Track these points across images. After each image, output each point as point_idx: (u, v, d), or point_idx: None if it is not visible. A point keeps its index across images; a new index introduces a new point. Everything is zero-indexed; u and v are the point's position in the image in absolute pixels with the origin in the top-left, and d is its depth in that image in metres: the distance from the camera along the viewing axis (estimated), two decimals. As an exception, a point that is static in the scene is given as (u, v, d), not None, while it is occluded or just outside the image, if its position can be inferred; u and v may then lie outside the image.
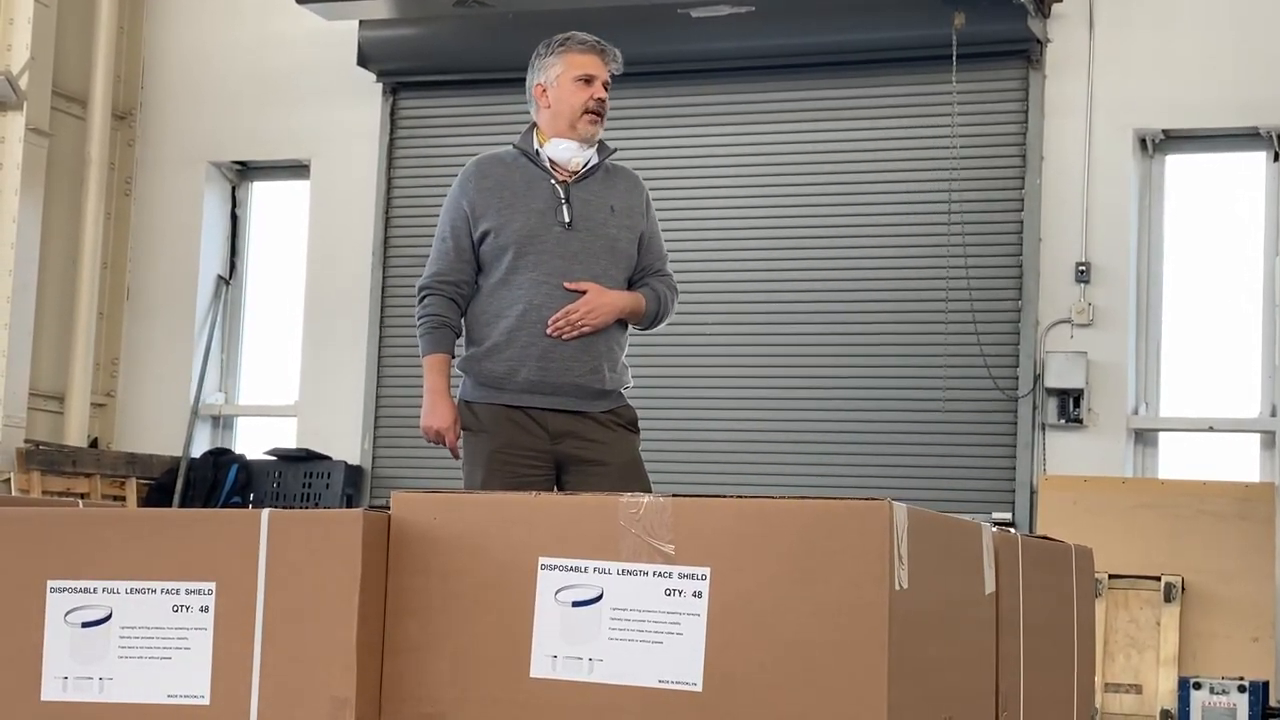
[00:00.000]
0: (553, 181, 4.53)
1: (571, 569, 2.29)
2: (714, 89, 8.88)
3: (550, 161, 4.54)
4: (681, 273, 4.88)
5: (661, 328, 4.78)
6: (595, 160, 4.59)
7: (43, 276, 9.15)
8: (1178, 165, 8.44)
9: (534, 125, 4.61)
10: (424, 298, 4.64)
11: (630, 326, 4.63)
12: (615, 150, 4.68)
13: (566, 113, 4.52)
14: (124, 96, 9.88)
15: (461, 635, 2.31)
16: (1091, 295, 8.19)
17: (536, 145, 4.57)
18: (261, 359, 9.98)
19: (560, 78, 4.54)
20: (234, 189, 10.03)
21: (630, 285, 4.61)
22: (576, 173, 4.56)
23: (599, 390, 4.50)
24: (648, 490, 4.26)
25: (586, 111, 4.51)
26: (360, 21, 9.19)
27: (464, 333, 4.65)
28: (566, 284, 4.43)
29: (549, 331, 4.42)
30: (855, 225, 8.59)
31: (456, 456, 4.54)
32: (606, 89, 4.58)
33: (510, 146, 4.63)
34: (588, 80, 4.53)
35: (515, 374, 4.47)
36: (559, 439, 4.49)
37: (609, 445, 4.51)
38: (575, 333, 4.43)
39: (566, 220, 4.48)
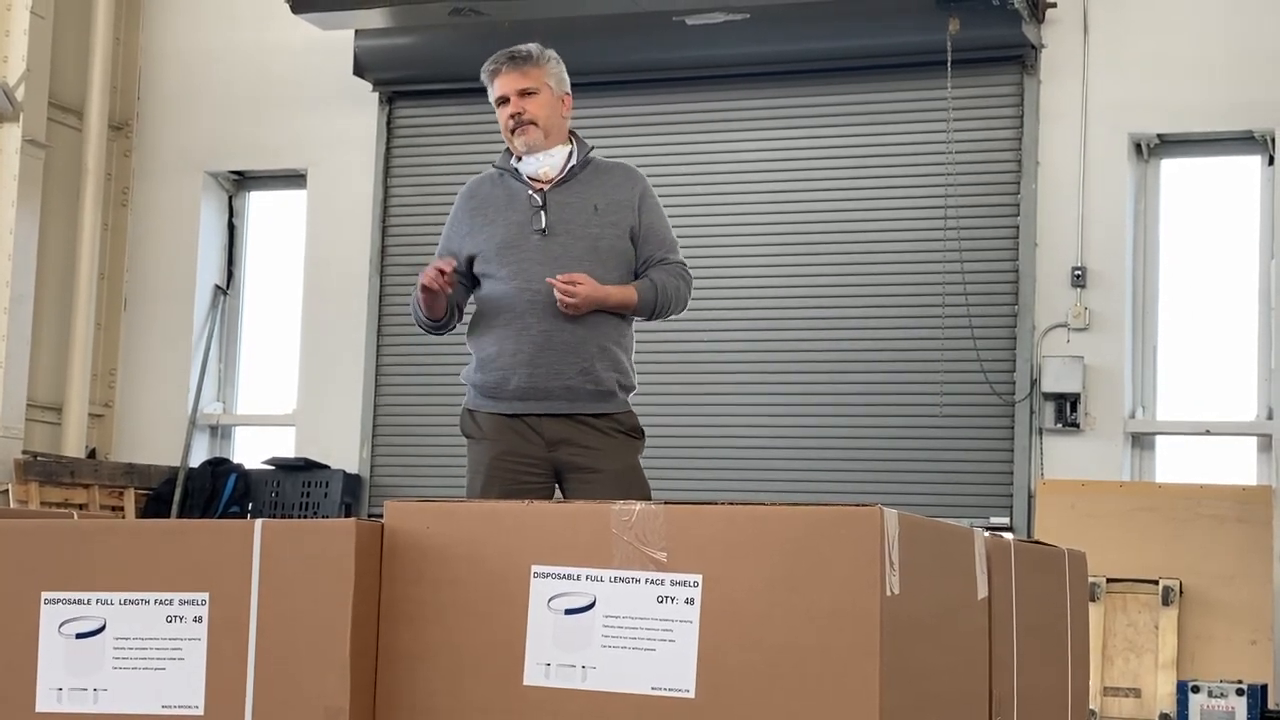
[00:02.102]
0: (530, 192, 4.58)
1: (564, 576, 2.29)
2: (709, 96, 8.89)
3: (527, 175, 4.61)
4: (679, 278, 4.88)
5: (671, 322, 4.80)
6: (574, 161, 4.61)
7: (40, 287, 9.16)
8: (1173, 169, 8.45)
9: None
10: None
11: (634, 320, 4.63)
12: (593, 146, 4.71)
13: (505, 135, 4.66)
14: (120, 107, 9.90)
15: (455, 644, 2.32)
16: (1088, 300, 8.20)
17: (514, 162, 4.66)
18: (259, 368, 9.98)
19: (495, 104, 4.68)
20: (231, 198, 10.04)
21: (636, 279, 4.62)
22: (554, 179, 4.59)
23: (593, 391, 4.51)
24: (646, 497, 4.29)
25: (511, 132, 4.61)
26: (356, 31, 9.20)
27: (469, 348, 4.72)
28: (550, 279, 4.41)
29: (549, 280, 4.42)
30: (851, 231, 8.60)
31: (448, 280, 4.47)
32: (530, 94, 4.58)
33: (494, 167, 4.71)
34: (503, 100, 4.63)
35: (507, 383, 4.52)
36: (555, 446, 4.51)
37: (605, 452, 4.52)
38: (561, 304, 4.43)
39: (542, 227, 4.53)
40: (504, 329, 4.51)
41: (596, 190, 4.60)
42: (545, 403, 4.50)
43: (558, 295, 4.42)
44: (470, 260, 4.61)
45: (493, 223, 4.57)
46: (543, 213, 4.54)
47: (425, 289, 4.52)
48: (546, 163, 4.59)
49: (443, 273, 4.46)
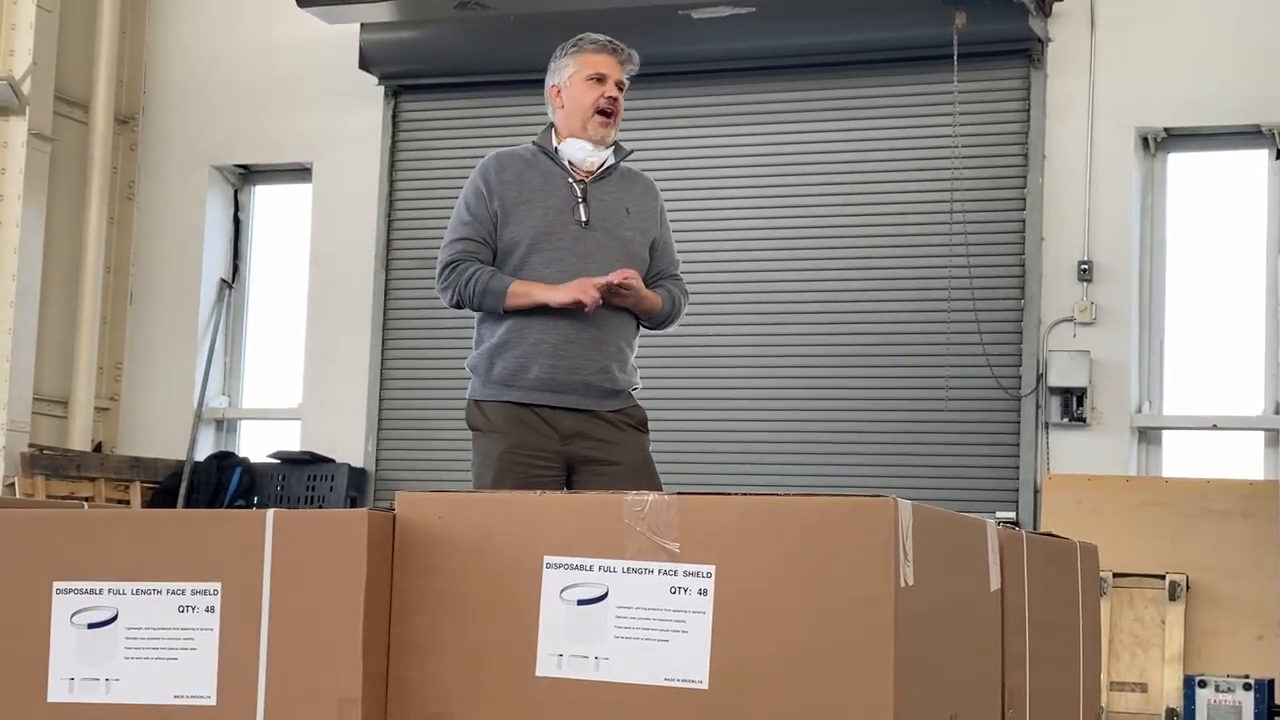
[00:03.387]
0: (570, 180, 4.54)
1: (577, 567, 2.29)
2: (715, 90, 8.88)
3: (568, 161, 4.56)
4: (685, 272, 4.89)
5: (669, 330, 4.81)
6: (611, 161, 4.60)
7: (46, 281, 9.15)
8: (1180, 163, 8.43)
9: (552, 125, 4.62)
10: (454, 267, 4.51)
11: (641, 326, 4.65)
12: (631, 152, 4.69)
13: (578, 112, 4.54)
14: (126, 101, 9.89)
15: (467, 634, 2.31)
16: (1094, 294, 8.19)
17: (555, 144, 4.58)
18: (264, 362, 9.98)
19: (573, 77, 4.56)
20: (236, 192, 10.03)
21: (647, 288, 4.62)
22: (593, 173, 4.57)
23: (608, 390, 4.50)
24: (658, 489, 4.27)
25: (597, 111, 4.52)
26: (362, 25, 9.19)
27: (474, 329, 4.63)
28: (615, 275, 4.39)
29: (608, 280, 4.37)
30: (857, 225, 8.59)
31: (619, 289, 4.39)
32: (621, 89, 4.58)
33: (529, 143, 4.64)
34: (599, 79, 4.54)
35: (526, 371, 4.46)
36: (569, 439, 4.48)
37: (619, 445, 4.50)
38: (614, 296, 4.40)
39: (584, 219, 4.49)
40: (528, 316, 4.44)
41: (627, 194, 4.60)
42: (562, 396, 4.46)
43: (617, 285, 4.37)
44: (496, 234, 4.51)
45: (528, 202, 4.50)
46: (584, 205, 4.50)
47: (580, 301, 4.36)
48: (596, 156, 4.56)
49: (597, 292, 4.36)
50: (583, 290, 4.36)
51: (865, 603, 2.16)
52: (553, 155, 4.56)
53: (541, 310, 4.42)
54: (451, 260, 4.50)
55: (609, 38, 4.63)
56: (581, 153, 4.54)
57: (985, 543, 2.62)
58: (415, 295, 9.02)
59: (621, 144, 4.66)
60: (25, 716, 2.35)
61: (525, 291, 4.42)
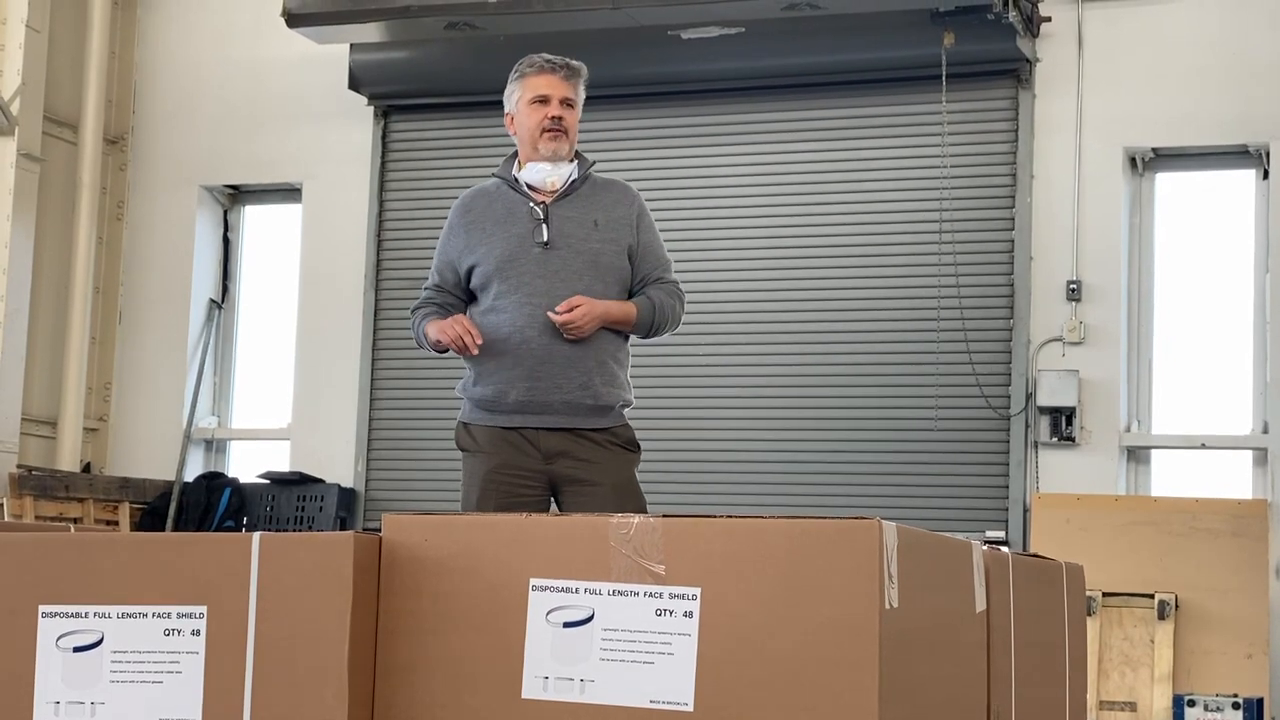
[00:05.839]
0: (531, 204, 4.57)
1: (562, 590, 2.29)
2: (704, 110, 8.90)
3: (528, 185, 4.59)
4: (674, 293, 4.88)
5: (666, 337, 4.81)
6: (575, 175, 4.62)
7: (35, 301, 9.15)
8: (1168, 183, 8.47)
9: (516, 153, 4.70)
10: (414, 312, 4.80)
11: (631, 337, 4.65)
12: (594, 163, 4.71)
13: (528, 136, 4.61)
14: (116, 121, 9.89)
15: (453, 657, 2.31)
16: (1083, 313, 8.21)
17: (515, 172, 4.63)
18: (254, 382, 9.97)
19: (520, 102, 4.64)
20: (226, 212, 10.04)
21: (631, 296, 4.62)
22: (556, 192, 4.59)
23: (591, 406, 4.51)
24: (642, 510, 4.28)
25: (544, 131, 4.57)
26: (351, 45, 9.20)
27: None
28: (550, 313, 4.45)
29: (550, 315, 4.44)
30: (846, 245, 8.61)
31: (470, 347, 4.45)
32: (570, 105, 4.62)
33: (493, 177, 4.69)
34: (543, 100, 4.60)
35: (505, 396, 4.52)
36: (553, 459, 4.51)
37: (602, 465, 4.52)
38: (569, 335, 4.47)
39: (544, 240, 4.53)
40: (503, 342, 4.52)
41: (596, 206, 4.62)
42: (543, 416, 4.50)
43: (560, 324, 4.43)
44: (468, 274, 4.62)
45: (491, 236, 4.58)
46: (544, 226, 4.55)
47: (442, 342, 4.52)
48: (555, 174, 4.60)
49: (468, 338, 4.45)
50: (441, 331, 4.48)
51: (850, 625, 2.16)
52: (514, 184, 4.62)
53: (517, 333, 4.49)
54: (416, 306, 4.75)
55: (548, 56, 4.67)
56: (539, 174, 4.60)
57: (970, 564, 2.62)
58: (405, 315, 8.96)
59: (584, 155, 4.68)
60: (10, 740, 2.35)
61: (427, 331, 4.59)
